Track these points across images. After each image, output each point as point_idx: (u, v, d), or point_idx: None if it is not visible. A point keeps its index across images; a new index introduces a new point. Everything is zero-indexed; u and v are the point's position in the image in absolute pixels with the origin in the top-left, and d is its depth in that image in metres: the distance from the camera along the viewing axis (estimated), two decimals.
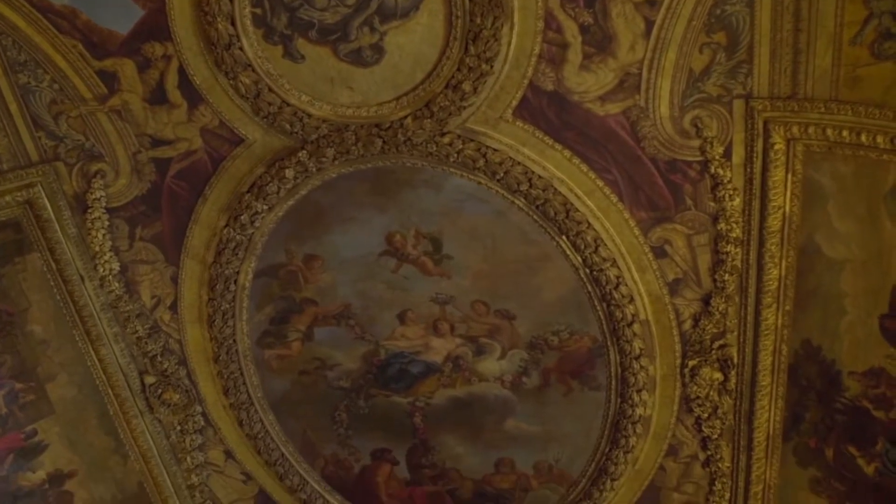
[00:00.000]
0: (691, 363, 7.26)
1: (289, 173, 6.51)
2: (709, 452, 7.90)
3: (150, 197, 6.95)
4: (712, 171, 6.04)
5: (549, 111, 6.03)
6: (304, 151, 6.44)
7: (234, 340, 7.69)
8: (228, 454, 8.86)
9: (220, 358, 7.79)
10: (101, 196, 6.84)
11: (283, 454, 8.71)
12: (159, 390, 8.07)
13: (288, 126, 6.27)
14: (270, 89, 6.09)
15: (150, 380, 8.04)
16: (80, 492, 8.83)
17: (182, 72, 6.25)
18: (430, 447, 8.64)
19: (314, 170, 6.48)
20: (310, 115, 6.21)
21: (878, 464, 7.18)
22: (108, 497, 8.92)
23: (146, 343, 7.74)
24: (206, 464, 8.87)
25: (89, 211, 6.91)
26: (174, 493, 9.03)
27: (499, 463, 8.80)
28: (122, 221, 7.07)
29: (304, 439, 8.70)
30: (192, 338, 7.80)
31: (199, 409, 8.32)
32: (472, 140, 6.21)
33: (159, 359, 7.89)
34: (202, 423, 8.50)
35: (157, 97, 6.39)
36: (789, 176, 5.90)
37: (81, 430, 8.31)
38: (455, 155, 6.21)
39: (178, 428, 8.47)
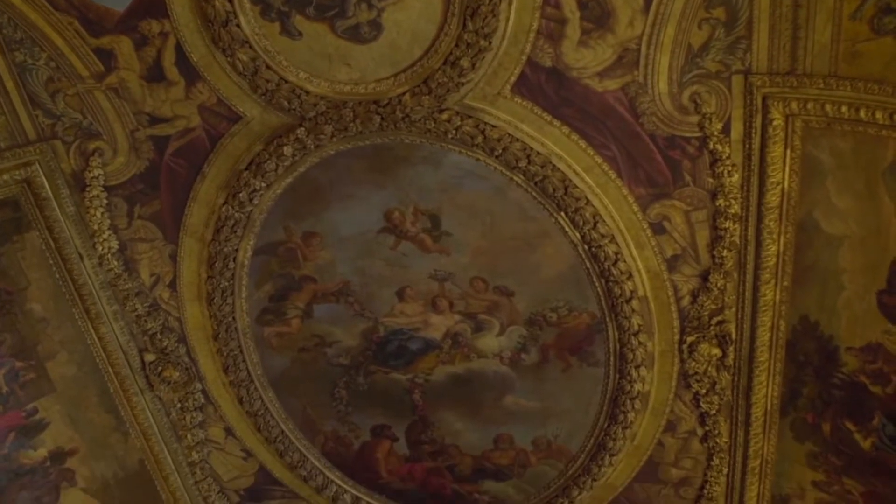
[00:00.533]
0: (689, 339, 7.28)
1: (287, 150, 6.49)
2: (707, 428, 7.93)
3: (148, 175, 6.94)
4: (711, 147, 6.03)
5: (547, 87, 6.02)
6: (303, 128, 6.42)
7: (234, 318, 7.70)
8: (228, 431, 8.89)
9: (220, 335, 7.81)
10: (100, 174, 6.82)
11: (282, 431, 8.74)
12: (159, 368, 8.09)
13: (286, 103, 6.25)
14: (268, 66, 6.07)
15: (149, 357, 8.05)
16: (82, 469, 8.87)
17: (179, 49, 6.22)
18: (429, 423, 8.67)
19: (312, 147, 6.47)
20: (307, 92, 6.19)
21: (874, 439, 7.22)
22: (109, 474, 8.96)
23: (146, 321, 7.75)
24: (207, 441, 8.91)
25: (87, 189, 6.90)
26: (175, 470, 9.07)
27: (498, 439, 8.84)
28: (121, 199, 7.07)
29: (304, 416, 8.73)
30: (191, 315, 7.81)
31: (199, 386, 8.34)
32: (470, 116, 6.19)
33: (159, 336, 7.90)
34: (202, 400, 8.53)
35: (155, 75, 6.37)
36: (788, 152, 5.90)
37: (82, 407, 8.34)
38: (453, 131, 6.19)
39: (179, 405, 8.50)
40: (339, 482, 9.10)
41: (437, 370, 8.14)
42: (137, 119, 6.63)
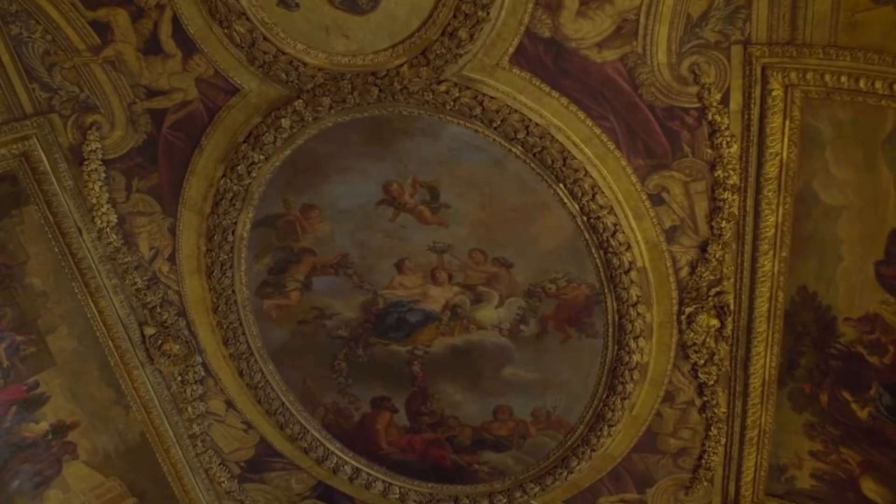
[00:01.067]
0: (688, 310, 7.30)
1: (285, 123, 6.48)
2: (705, 398, 7.97)
3: (146, 148, 6.92)
4: (710, 117, 6.02)
5: (545, 58, 6.00)
6: (300, 101, 6.40)
7: (233, 291, 7.71)
8: (229, 404, 8.92)
9: (220, 308, 7.82)
10: (97, 148, 6.80)
11: (283, 403, 8.77)
12: (159, 341, 8.10)
13: (283, 75, 6.23)
14: (265, 38, 6.05)
15: (149, 331, 8.06)
16: (83, 442, 8.91)
17: (176, 21, 6.19)
18: (428, 395, 8.70)
19: (310, 119, 6.45)
20: (305, 64, 6.17)
21: (871, 408, 7.25)
22: (110, 447, 9.00)
23: (145, 294, 7.75)
24: (207, 413, 8.94)
25: (86, 163, 6.88)
26: (176, 443, 9.12)
27: (497, 410, 8.87)
28: (119, 173, 7.05)
29: (304, 388, 8.76)
30: (190, 289, 7.82)
31: (199, 359, 8.36)
32: (468, 88, 6.17)
33: (158, 310, 7.91)
34: (202, 373, 8.55)
35: (152, 47, 6.34)
36: (787, 122, 5.89)
37: (83, 381, 8.37)
38: (452, 103, 6.18)
39: (179, 378, 8.52)
40: (340, 454, 9.14)
41: (437, 342, 8.15)
42: (134, 92, 6.61)
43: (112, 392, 8.49)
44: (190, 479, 9.51)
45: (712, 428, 8.18)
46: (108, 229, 7.23)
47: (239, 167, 6.76)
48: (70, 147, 6.82)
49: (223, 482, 9.51)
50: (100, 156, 6.84)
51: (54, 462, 8.78)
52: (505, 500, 9.62)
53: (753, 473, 8.76)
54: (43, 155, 6.73)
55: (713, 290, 6.99)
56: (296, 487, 9.93)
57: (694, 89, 5.84)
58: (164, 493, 9.62)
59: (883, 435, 7.23)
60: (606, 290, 7.18)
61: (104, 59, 6.36)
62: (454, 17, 5.78)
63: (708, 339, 7.32)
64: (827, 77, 5.40)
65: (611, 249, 6.81)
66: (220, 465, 9.39)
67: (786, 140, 5.89)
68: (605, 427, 8.41)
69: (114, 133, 6.78)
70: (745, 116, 5.92)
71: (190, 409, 8.76)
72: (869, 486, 8.25)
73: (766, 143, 5.92)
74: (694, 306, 7.12)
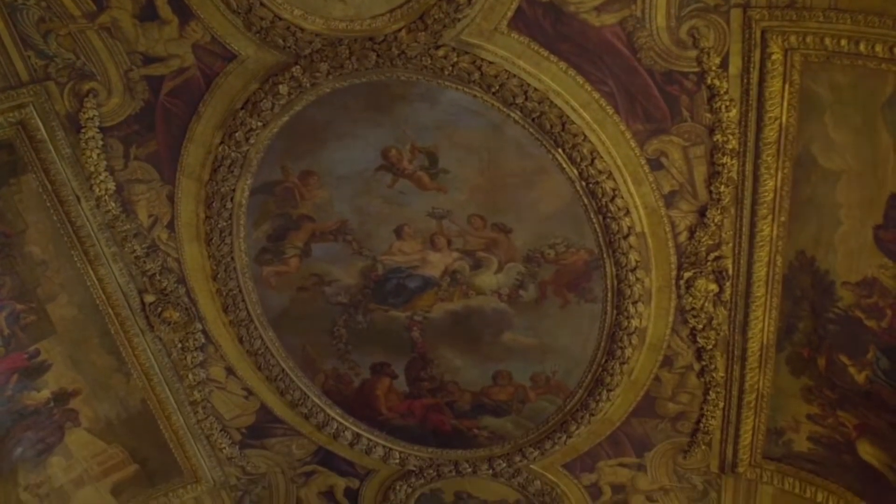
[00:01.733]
0: (687, 275, 7.32)
1: (283, 89, 6.45)
2: (703, 363, 8.00)
3: (143, 116, 6.90)
4: (709, 82, 6.00)
5: (544, 22, 5.96)
6: (298, 66, 6.37)
7: (232, 258, 7.71)
8: (229, 371, 8.95)
9: (219, 276, 7.82)
10: (94, 115, 6.78)
11: (283, 370, 8.80)
12: (159, 309, 8.12)
13: (281, 41, 6.19)
14: (262, 3, 6.01)
15: (149, 298, 8.08)
16: (85, 409, 8.95)
17: None
18: (428, 361, 8.73)
19: (308, 85, 6.42)
20: (302, 30, 6.13)
21: (868, 372, 7.29)
22: (112, 415, 9.05)
23: (144, 262, 7.76)
24: (208, 380, 8.98)
25: (83, 131, 6.85)
26: (177, 410, 9.16)
27: (496, 375, 8.91)
28: (117, 141, 7.03)
29: (304, 355, 8.79)
30: (190, 256, 7.82)
31: (199, 326, 8.38)
32: (466, 53, 6.14)
33: (158, 277, 7.91)
34: (203, 340, 8.57)
35: (148, 13, 6.29)
36: (786, 86, 5.87)
37: (84, 349, 8.39)
38: (450, 68, 6.15)
39: (179, 346, 8.54)
40: (340, 419, 9.19)
41: (436, 308, 8.17)
42: (131, 59, 6.57)
43: (113, 360, 8.52)
44: (191, 446, 9.57)
45: (710, 392, 8.22)
46: (106, 197, 7.21)
47: (237, 134, 6.74)
48: (67, 115, 6.79)
49: (224, 448, 9.57)
50: (97, 123, 6.81)
51: (56, 430, 8.83)
52: (504, 465, 9.69)
53: (751, 437, 8.82)
54: (40, 123, 6.71)
55: (712, 255, 7.00)
56: (297, 453, 9.99)
57: (693, 53, 5.81)
58: (165, 459, 9.69)
59: (880, 398, 7.27)
60: (605, 256, 7.18)
61: (100, 26, 6.32)
62: None
63: (706, 304, 7.34)
64: (827, 40, 5.37)
65: (609, 214, 6.81)
66: (221, 431, 9.44)
67: (785, 104, 5.88)
68: (604, 392, 8.45)
69: (111, 100, 6.75)
70: (745, 80, 5.90)
71: (190, 376, 8.79)
72: (866, 449, 8.32)
73: (765, 107, 5.90)
74: (692, 271, 7.13)
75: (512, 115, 6.44)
